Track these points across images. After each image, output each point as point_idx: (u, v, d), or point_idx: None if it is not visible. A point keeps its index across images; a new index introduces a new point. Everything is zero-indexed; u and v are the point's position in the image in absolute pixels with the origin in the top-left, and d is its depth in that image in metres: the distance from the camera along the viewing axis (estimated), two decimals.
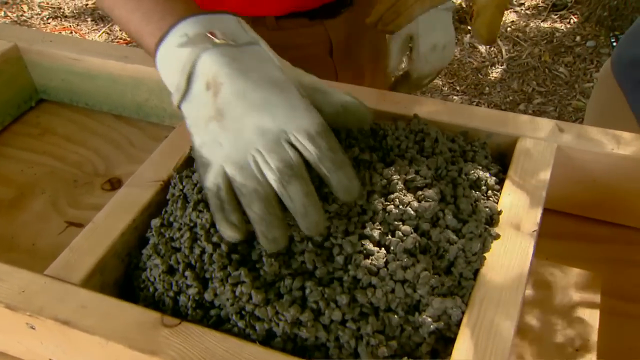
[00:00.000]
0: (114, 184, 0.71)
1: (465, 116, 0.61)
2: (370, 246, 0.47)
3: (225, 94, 0.48)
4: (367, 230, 0.48)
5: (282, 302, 0.45)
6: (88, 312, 0.46)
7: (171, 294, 0.48)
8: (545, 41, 2.54)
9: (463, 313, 0.45)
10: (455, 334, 0.45)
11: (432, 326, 0.44)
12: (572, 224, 0.59)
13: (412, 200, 0.48)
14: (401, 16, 0.73)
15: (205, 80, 0.49)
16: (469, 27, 2.62)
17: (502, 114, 0.60)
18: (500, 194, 0.53)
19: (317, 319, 0.44)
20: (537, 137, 0.57)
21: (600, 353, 0.50)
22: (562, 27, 2.60)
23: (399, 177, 0.50)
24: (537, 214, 0.50)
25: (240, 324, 0.45)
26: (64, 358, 0.50)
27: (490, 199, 0.52)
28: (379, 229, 0.48)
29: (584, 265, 0.57)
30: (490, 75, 2.41)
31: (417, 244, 0.46)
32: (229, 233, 0.46)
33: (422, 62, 0.77)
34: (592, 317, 0.53)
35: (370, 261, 0.46)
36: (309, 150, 0.46)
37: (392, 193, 0.50)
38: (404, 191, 0.50)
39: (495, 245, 0.49)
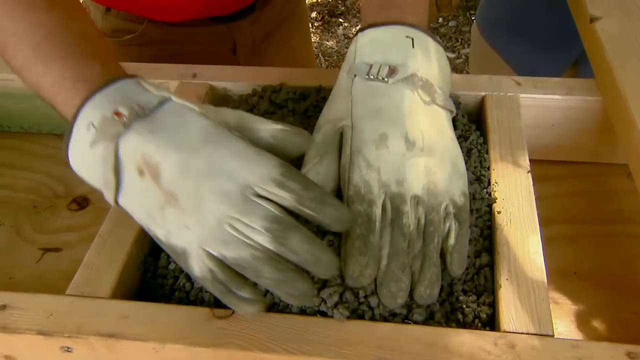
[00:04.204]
0: (81, 203, 0.68)
1: None
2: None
3: (166, 173, 0.43)
4: None
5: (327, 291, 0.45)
6: (131, 321, 0.45)
7: None
8: None
9: None
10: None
11: None
12: (537, 168, 0.65)
13: None
14: None
15: (135, 167, 0.44)
16: (340, 20, 2.72)
17: (463, 76, 0.65)
18: (486, 145, 0.58)
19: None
20: (500, 92, 0.63)
21: (594, 272, 0.57)
22: None
23: None
24: (525, 155, 0.56)
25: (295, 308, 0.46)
26: None
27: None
28: None
29: (555, 201, 0.63)
30: None
31: None
32: (250, 310, 0.43)
33: None
34: (577, 243, 0.59)
35: None
36: (284, 197, 0.42)
37: None
38: None
39: (501, 183, 0.54)
